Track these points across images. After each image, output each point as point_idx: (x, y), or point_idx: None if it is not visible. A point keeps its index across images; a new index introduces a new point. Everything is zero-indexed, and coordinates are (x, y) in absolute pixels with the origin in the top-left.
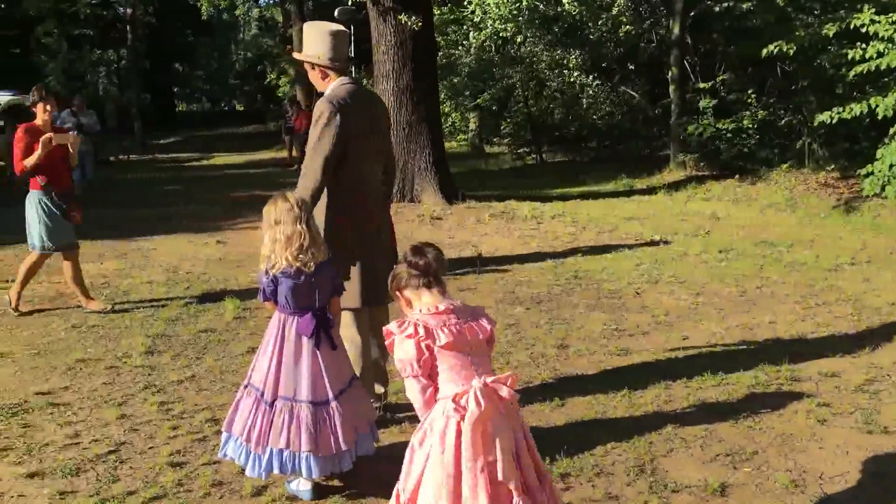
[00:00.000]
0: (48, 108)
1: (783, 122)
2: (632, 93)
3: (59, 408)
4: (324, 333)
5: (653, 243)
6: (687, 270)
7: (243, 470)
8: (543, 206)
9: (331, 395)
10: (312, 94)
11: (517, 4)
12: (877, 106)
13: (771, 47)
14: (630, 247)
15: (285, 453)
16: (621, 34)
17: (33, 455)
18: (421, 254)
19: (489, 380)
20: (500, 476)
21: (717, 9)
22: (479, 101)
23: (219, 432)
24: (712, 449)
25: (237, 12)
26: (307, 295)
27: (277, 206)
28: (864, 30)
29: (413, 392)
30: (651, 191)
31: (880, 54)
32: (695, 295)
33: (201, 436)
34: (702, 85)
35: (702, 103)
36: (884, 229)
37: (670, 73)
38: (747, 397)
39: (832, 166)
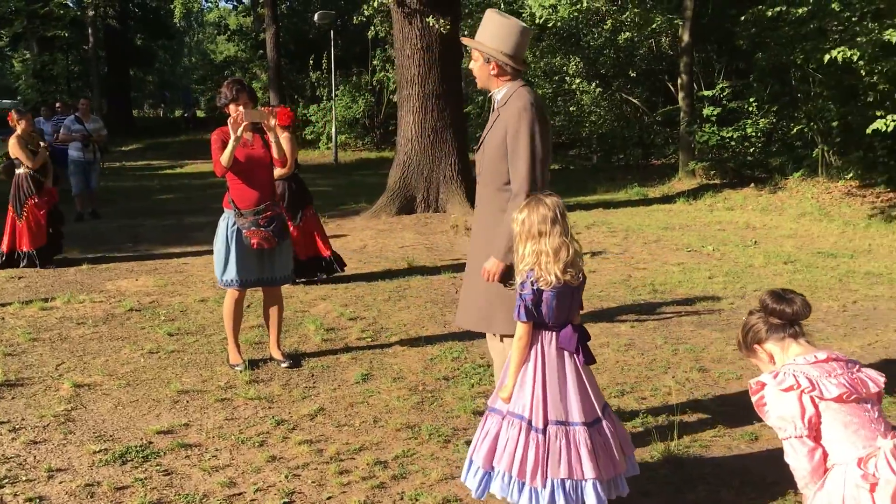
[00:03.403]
0: (240, 108)
1: (795, 130)
2: (633, 100)
3: (193, 449)
4: (585, 347)
5: (707, 254)
6: (767, 283)
7: None
8: (570, 214)
9: (600, 413)
10: (285, 100)
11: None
12: None
13: (834, 53)
14: (688, 257)
15: (567, 483)
16: (620, 41)
17: None
18: (785, 300)
19: None
20: None
21: (742, 17)
22: (467, 109)
23: (395, 477)
24: None
25: (210, 17)
26: (568, 308)
27: (539, 213)
28: None
29: (797, 457)
30: (668, 200)
31: None
32: None
33: (378, 482)
34: (705, 93)
35: (705, 111)
36: None
37: (679, 81)
38: None
39: (849, 175)
